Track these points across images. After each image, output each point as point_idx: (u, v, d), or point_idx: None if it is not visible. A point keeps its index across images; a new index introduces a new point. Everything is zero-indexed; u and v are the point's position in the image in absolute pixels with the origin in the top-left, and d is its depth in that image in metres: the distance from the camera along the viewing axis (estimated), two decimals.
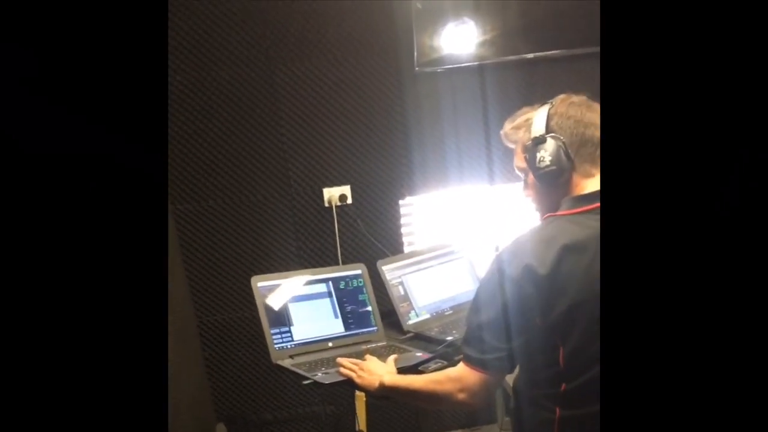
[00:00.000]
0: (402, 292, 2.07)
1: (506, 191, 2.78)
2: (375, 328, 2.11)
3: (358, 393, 2.51)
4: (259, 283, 2.04)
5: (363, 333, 2.09)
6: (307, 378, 1.84)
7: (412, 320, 2.06)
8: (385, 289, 2.07)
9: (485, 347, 1.37)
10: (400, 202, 2.87)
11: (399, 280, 2.09)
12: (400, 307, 2.04)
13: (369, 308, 2.11)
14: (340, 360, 1.76)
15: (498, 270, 1.38)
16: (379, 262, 2.13)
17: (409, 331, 2.02)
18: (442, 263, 2.20)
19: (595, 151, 1.41)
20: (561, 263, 1.31)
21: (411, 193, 2.89)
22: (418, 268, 2.14)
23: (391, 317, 2.08)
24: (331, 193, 2.83)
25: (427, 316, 2.11)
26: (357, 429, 2.58)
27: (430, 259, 2.19)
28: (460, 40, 2.69)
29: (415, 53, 2.70)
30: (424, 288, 2.14)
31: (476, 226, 2.38)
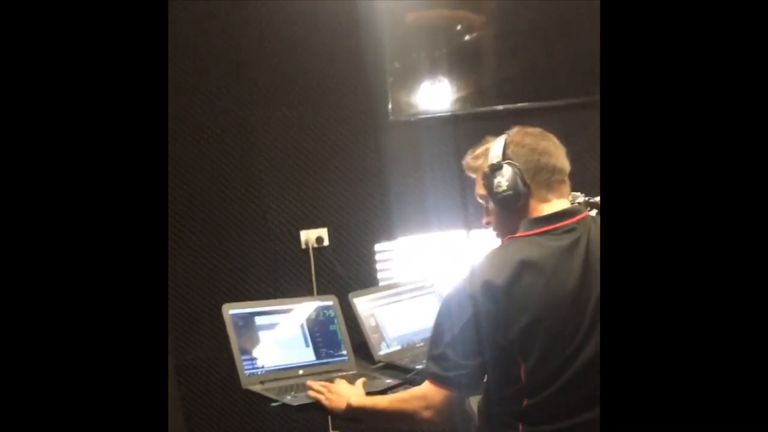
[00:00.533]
0: (373, 324, 2.11)
1: (482, 237, 2.82)
2: (346, 357, 2.14)
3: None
4: (231, 310, 2.07)
5: (334, 362, 2.11)
6: (275, 401, 1.85)
7: (383, 351, 2.10)
8: (356, 321, 2.11)
9: (448, 365, 1.40)
10: (376, 246, 2.91)
11: (370, 312, 2.13)
12: (372, 338, 2.08)
13: (340, 338, 2.14)
14: (309, 383, 1.78)
15: (457, 288, 1.42)
16: (350, 294, 2.16)
17: (380, 361, 2.05)
18: (413, 297, 2.24)
19: (551, 177, 1.47)
20: (519, 278, 1.36)
21: (387, 237, 2.93)
22: (390, 301, 2.18)
23: (362, 350, 2.11)
24: (308, 235, 2.87)
25: (398, 347, 2.15)
26: None
27: (402, 292, 2.24)
28: (434, 96, 2.83)
29: (390, 106, 2.82)
30: (395, 320, 2.18)
31: (451, 266, 2.47)
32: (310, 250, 2.86)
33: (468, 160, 1.64)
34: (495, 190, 1.47)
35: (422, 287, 2.30)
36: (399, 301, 2.19)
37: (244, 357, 2.03)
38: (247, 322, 2.08)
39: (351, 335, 2.13)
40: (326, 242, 2.88)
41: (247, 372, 2.03)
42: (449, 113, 2.88)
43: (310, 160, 2.86)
